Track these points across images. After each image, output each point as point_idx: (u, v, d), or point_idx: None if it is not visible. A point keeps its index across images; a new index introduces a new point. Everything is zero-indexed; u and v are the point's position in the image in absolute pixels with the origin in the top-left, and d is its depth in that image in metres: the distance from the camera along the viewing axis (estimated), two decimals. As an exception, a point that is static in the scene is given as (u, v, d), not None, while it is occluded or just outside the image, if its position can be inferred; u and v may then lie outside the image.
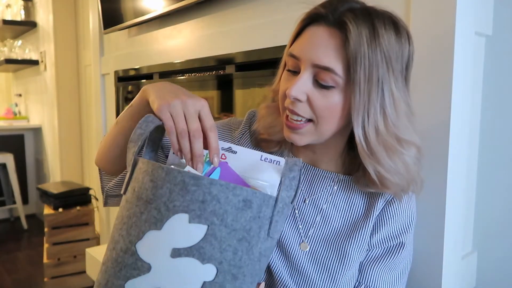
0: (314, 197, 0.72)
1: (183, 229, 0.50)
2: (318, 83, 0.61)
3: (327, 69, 0.59)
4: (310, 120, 0.64)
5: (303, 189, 0.73)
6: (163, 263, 0.50)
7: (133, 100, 0.68)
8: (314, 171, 0.73)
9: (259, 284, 0.61)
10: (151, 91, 0.62)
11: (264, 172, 0.62)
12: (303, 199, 0.72)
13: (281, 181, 0.55)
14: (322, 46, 0.59)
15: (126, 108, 0.70)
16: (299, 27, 0.64)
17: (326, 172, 0.72)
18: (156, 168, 0.52)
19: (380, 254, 0.71)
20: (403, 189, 0.66)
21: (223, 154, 0.64)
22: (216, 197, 0.50)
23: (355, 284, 0.71)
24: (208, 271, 0.51)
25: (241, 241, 0.52)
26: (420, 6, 0.77)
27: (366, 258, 0.71)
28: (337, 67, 0.59)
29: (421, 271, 0.79)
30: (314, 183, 0.73)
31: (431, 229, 0.78)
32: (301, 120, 0.63)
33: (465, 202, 0.87)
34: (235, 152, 0.64)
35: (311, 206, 0.72)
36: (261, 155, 0.63)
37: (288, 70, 0.65)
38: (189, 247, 0.50)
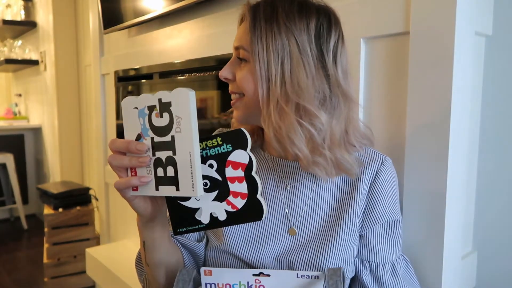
0: (294, 184, 0.73)
1: None
2: (238, 61, 0.70)
3: (238, 47, 0.69)
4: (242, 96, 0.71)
5: (282, 176, 0.74)
6: None
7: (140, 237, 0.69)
8: (289, 164, 0.74)
9: None
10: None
11: None
12: (285, 186, 0.74)
13: None
14: (240, 33, 0.71)
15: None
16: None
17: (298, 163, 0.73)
18: None
19: (383, 230, 0.72)
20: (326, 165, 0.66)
21: (256, 279, 0.64)
22: None
23: (362, 260, 0.73)
24: None
25: None
26: (420, 6, 0.77)
27: (370, 237, 0.72)
28: (245, 44, 0.68)
29: (421, 271, 0.79)
30: (293, 173, 0.74)
31: (431, 229, 0.78)
32: (237, 95, 0.72)
33: (465, 202, 0.87)
34: (268, 276, 0.63)
35: (296, 196, 0.73)
36: (297, 273, 0.62)
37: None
38: None
